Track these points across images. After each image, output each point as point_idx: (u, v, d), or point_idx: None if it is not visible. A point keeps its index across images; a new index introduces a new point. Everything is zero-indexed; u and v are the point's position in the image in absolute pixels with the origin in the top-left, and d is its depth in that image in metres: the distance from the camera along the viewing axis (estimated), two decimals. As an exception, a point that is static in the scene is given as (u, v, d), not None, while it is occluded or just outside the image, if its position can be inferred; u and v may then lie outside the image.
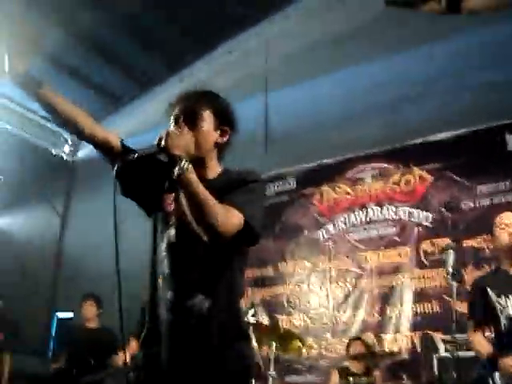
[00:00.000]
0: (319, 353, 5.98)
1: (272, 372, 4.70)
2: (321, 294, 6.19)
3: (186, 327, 1.94)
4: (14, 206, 10.82)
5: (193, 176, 1.78)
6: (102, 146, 2.02)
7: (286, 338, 4.95)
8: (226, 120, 2.12)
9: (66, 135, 10.43)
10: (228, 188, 1.96)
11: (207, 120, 2.06)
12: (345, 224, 6.34)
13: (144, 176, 1.96)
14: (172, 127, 2.02)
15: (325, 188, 6.54)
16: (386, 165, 6.28)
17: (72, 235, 9.93)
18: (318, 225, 6.43)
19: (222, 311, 1.94)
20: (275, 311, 6.26)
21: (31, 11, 7.84)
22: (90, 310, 5.99)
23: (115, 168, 1.80)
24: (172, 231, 2.02)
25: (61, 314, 9.83)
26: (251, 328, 5.12)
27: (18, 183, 9.90)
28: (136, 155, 1.81)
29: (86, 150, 10.02)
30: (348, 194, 6.42)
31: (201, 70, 8.81)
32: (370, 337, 5.67)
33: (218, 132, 2.09)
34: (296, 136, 7.30)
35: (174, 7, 7.46)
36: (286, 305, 6.28)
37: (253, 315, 5.23)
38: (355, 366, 5.12)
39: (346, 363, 5.26)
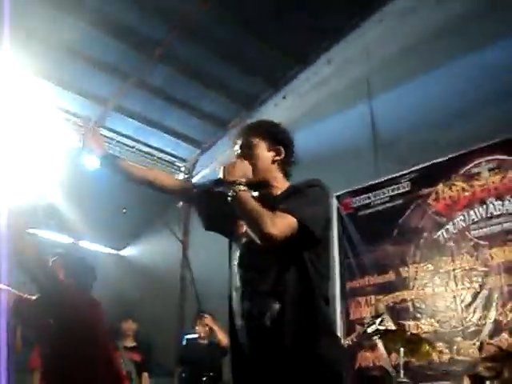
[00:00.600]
0: (451, 357, 5.73)
1: (403, 379, 4.58)
2: (447, 296, 5.94)
3: (263, 333, 2.05)
4: (139, 235, 11.40)
5: (244, 193, 2.06)
6: (182, 193, 2.49)
7: (414, 342, 4.82)
8: (276, 140, 2.39)
9: (180, 164, 10.88)
10: (286, 198, 2.19)
11: (259, 145, 2.35)
12: (465, 222, 6.09)
13: (218, 208, 2.30)
14: (233, 160, 2.29)
15: (440, 187, 6.32)
16: (503, 156, 5.98)
17: (192, 259, 10.28)
18: (437, 225, 6.21)
19: (298, 313, 2.04)
20: (401, 317, 6.09)
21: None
22: (202, 327, 6.29)
23: (196, 207, 2.30)
24: (242, 249, 2.27)
25: (189, 336, 10.16)
26: (379, 336, 5.05)
27: (139, 214, 10.42)
28: (199, 189, 2.29)
29: (200, 177, 10.40)
30: (465, 190, 6.17)
31: (302, 85, 8.89)
32: (504, 337, 5.37)
33: (272, 153, 2.37)
34: (405, 138, 7.15)
35: (265, 24, 7.61)
36: (411, 310, 6.10)
37: (380, 322, 5.15)
38: (488, 370, 4.86)
39: (479, 367, 5.01)
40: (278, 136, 2.41)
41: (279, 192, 2.30)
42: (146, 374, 6.04)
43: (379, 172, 7.06)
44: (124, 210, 9.86)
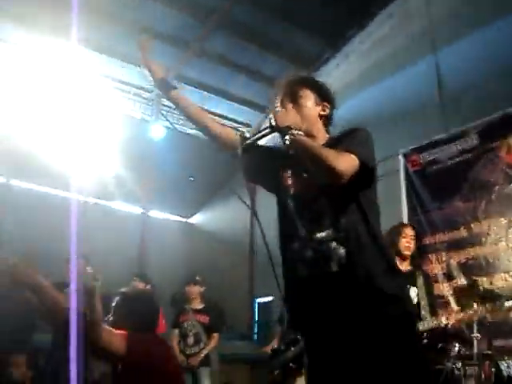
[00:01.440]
0: (528, 312, 5.60)
1: (476, 335, 4.51)
2: (522, 250, 5.78)
3: (331, 279, 2.04)
4: (206, 203, 11.59)
5: (303, 137, 2.04)
6: (225, 141, 2.37)
7: (487, 298, 4.72)
8: (323, 96, 2.37)
9: (244, 129, 10.92)
10: (336, 143, 2.15)
11: (308, 97, 2.33)
12: (538, 173, 5.86)
13: (262, 160, 2.31)
14: (278, 108, 2.23)
15: (511, 139, 6.09)
16: None
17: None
18: (509, 178, 6.00)
19: (363, 254, 2.04)
20: (474, 273, 5.95)
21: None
22: None
23: (238, 155, 2.09)
24: (293, 200, 2.23)
25: (260, 300, 10.35)
26: (451, 292, 4.97)
27: (206, 182, 10.58)
28: (254, 137, 2.09)
29: (265, 139, 10.42)
30: (537, 141, 5.92)
31: (363, 43, 8.71)
32: None
33: (319, 107, 2.34)
34: (473, 90, 6.92)
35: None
36: (484, 265, 5.96)
37: (450, 278, 5.05)
38: None
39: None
40: (325, 92, 2.39)
41: (321, 142, 2.25)
42: (215, 335, 6.14)
43: (446, 127, 6.87)
44: (191, 178, 10.05)
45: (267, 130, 2.07)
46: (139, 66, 9.25)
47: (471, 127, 6.41)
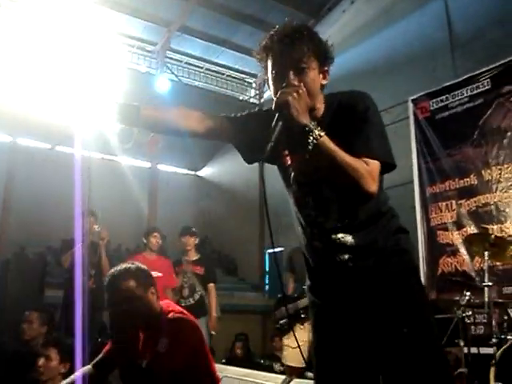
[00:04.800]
0: (539, 259, 5.56)
1: (487, 282, 4.49)
2: (533, 197, 5.71)
3: (340, 266, 1.91)
4: (215, 155, 11.54)
5: (327, 141, 1.71)
6: (216, 133, 2.01)
7: (498, 246, 4.67)
8: (326, 60, 1.92)
9: (250, 80, 10.78)
10: (341, 123, 1.85)
11: (313, 66, 1.86)
12: (551, 117, 5.73)
13: (259, 141, 1.80)
14: (288, 92, 1.77)
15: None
16: None
17: (269, 173, 10.34)
18: (522, 123, 5.88)
19: (371, 241, 1.89)
20: (484, 221, 5.90)
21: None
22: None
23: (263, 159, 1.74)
24: (294, 184, 1.98)
25: (270, 250, 10.38)
26: (460, 240, 4.94)
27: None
28: (273, 139, 1.70)
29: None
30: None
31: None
32: None
33: (322, 75, 1.91)
34: (484, 34, 6.74)
35: None
36: (495, 213, 5.90)
37: (460, 226, 5.00)
38: None
39: None
40: (328, 54, 1.93)
41: (321, 112, 1.92)
42: (211, 285, 6.14)
43: (457, 72, 6.72)
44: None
45: (281, 126, 1.70)
46: (143, 20, 9.10)
47: (483, 72, 6.25)
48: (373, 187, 1.75)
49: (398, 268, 1.89)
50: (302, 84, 1.80)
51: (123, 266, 2.73)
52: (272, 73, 1.89)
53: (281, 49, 1.86)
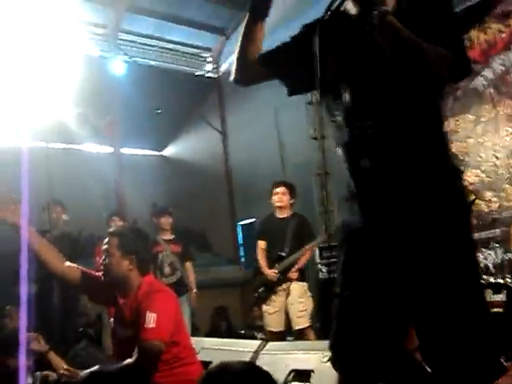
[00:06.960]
0: (500, 205, 5.73)
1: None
2: (490, 145, 5.85)
3: (365, 174, 1.78)
4: (177, 134, 11.48)
5: (394, 19, 1.61)
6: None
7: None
8: None
9: (205, 54, 10.70)
10: (413, 10, 1.71)
11: None
12: (503, 65, 5.85)
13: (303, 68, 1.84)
14: None
15: (473, 33, 6.03)
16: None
17: (233, 146, 10.35)
18: (474, 73, 5.97)
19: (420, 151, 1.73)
20: (445, 172, 6.03)
21: None
22: (282, 198, 5.45)
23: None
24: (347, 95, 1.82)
25: (242, 222, 10.46)
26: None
27: (174, 112, 10.44)
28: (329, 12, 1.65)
29: (228, 65, 10.24)
30: (501, 31, 5.87)
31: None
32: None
33: None
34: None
35: None
36: (454, 163, 6.03)
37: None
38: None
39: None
40: None
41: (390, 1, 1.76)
42: (189, 263, 6.21)
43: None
44: (158, 111, 9.89)
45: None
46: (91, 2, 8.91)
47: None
48: (444, 70, 1.62)
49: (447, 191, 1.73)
50: None
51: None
52: None
53: None
